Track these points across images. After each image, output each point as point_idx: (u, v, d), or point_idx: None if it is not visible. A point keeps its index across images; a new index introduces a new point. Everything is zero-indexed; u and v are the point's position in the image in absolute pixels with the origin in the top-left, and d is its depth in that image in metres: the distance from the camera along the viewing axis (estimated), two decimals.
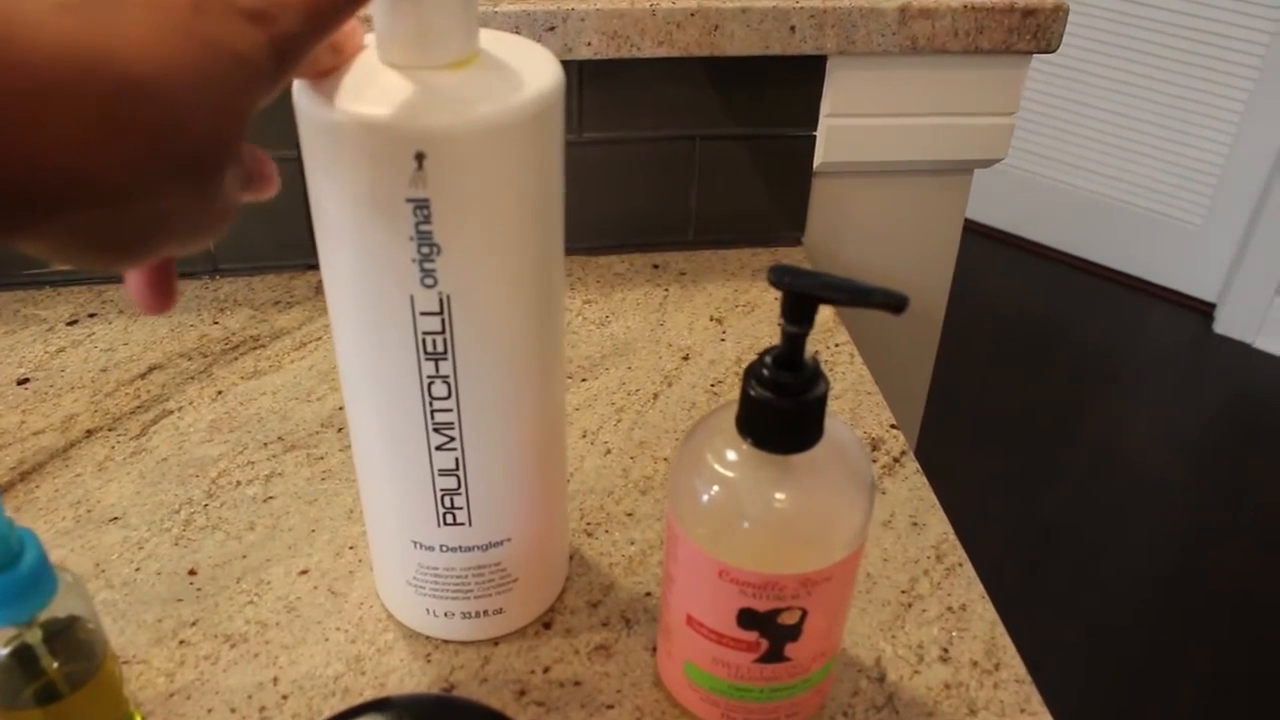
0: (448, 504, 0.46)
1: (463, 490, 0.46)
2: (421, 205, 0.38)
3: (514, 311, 0.43)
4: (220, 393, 0.69)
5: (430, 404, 0.43)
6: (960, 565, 0.57)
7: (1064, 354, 2.32)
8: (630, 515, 0.59)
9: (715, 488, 0.42)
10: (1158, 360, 2.31)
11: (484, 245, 0.40)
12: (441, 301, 0.41)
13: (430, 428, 0.44)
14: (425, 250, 0.39)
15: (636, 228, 0.81)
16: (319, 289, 0.78)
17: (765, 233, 0.82)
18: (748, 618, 0.43)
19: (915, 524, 0.59)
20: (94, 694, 0.46)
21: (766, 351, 0.41)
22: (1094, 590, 1.78)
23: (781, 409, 0.40)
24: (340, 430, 0.65)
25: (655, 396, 0.68)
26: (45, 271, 0.78)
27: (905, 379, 0.91)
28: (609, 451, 0.64)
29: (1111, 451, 2.06)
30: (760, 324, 0.74)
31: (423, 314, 0.41)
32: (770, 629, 0.43)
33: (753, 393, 0.40)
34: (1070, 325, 2.40)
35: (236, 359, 0.72)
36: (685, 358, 0.71)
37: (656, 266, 0.80)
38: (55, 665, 0.45)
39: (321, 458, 0.64)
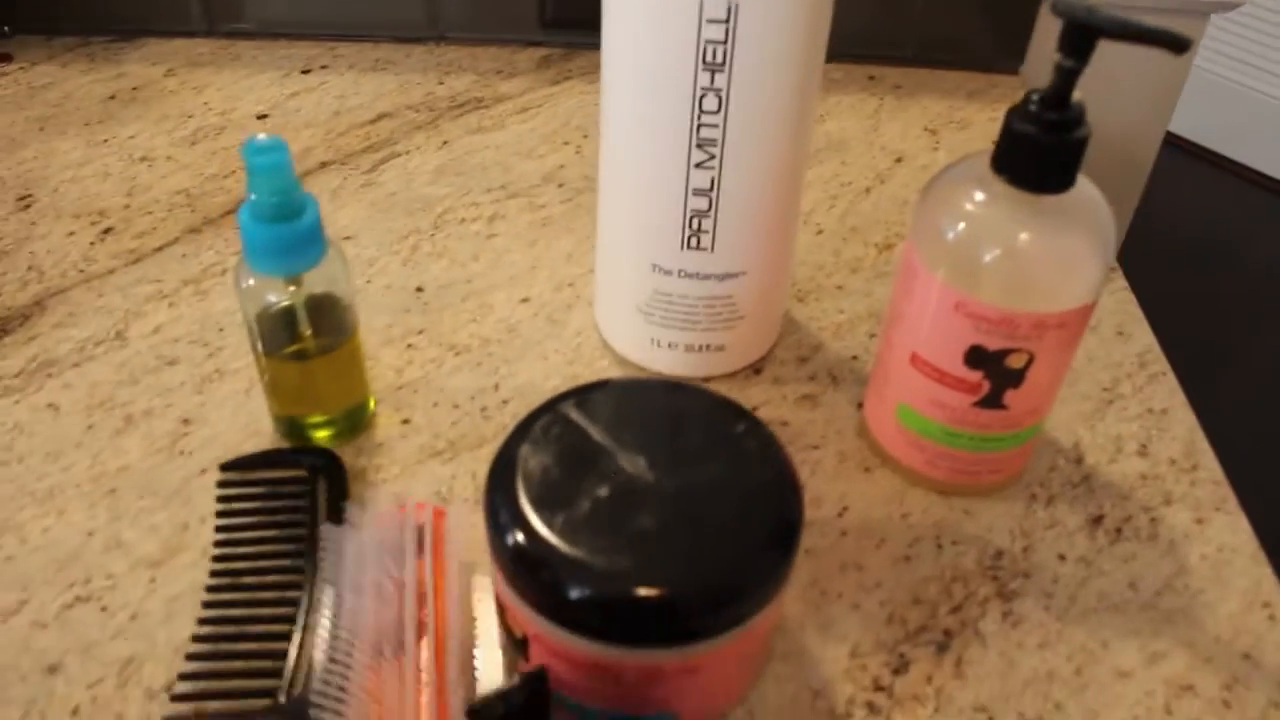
0: (694, 226, 0.48)
1: (711, 213, 0.48)
2: None
3: (794, 29, 0.44)
4: (446, 142, 0.72)
5: (699, 117, 0.45)
6: (1164, 374, 0.57)
7: (1244, 274, 2.23)
8: (840, 288, 0.61)
9: (962, 224, 0.43)
10: None
11: None
12: (730, 9, 0.42)
13: (694, 143, 0.46)
14: None
15: (855, 38, 0.81)
16: (540, 64, 0.80)
17: (983, 58, 0.82)
18: (976, 356, 0.44)
19: (1121, 333, 0.60)
20: (342, 361, 0.50)
21: (1033, 91, 0.41)
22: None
23: (1044, 144, 0.41)
24: (561, 186, 0.68)
25: (868, 190, 0.69)
26: (279, 24, 0.82)
27: None
28: (821, 232, 0.65)
29: None
30: (974, 140, 0.74)
31: (709, 21, 0.42)
32: (995, 370, 0.45)
33: (1016, 127, 0.41)
34: (1253, 244, 2.30)
35: (461, 116, 0.74)
36: (898, 160, 0.72)
37: (872, 78, 0.80)
38: (309, 333, 0.49)
39: (543, 206, 0.66)
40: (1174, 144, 2.51)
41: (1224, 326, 2.11)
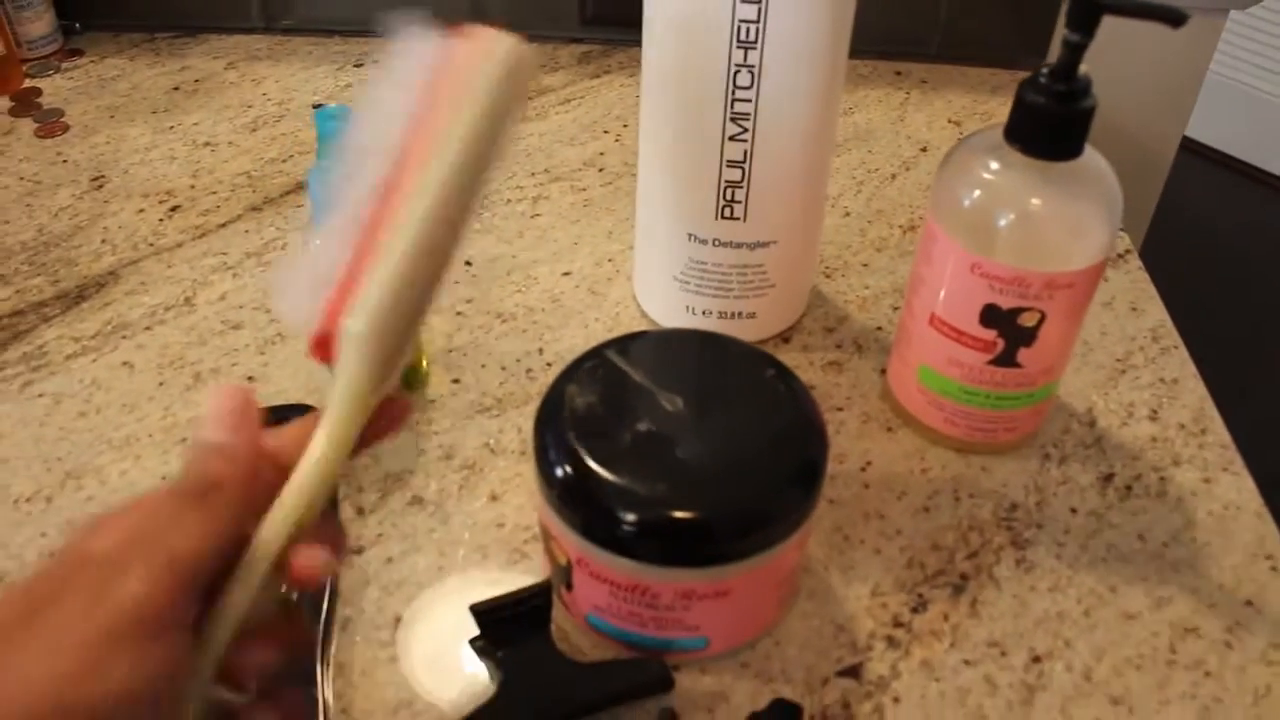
0: (728, 197, 0.52)
1: (744, 183, 0.51)
2: None
3: (822, 7, 0.47)
4: None
5: (732, 92, 0.48)
6: (1175, 348, 0.60)
7: (1259, 273, 2.23)
8: (866, 266, 0.64)
9: (978, 191, 0.47)
10: None
11: None
12: None
13: (728, 116, 0.49)
14: None
15: (883, 36, 0.84)
16: (581, 59, 0.84)
17: (1006, 54, 0.85)
18: (990, 315, 0.47)
19: (1134, 309, 0.63)
20: None
21: (1042, 65, 0.45)
22: None
23: (1053, 114, 0.44)
24: (601, 170, 0.71)
25: (893, 177, 0.72)
26: (330, 21, 0.86)
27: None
28: (848, 214, 0.68)
29: None
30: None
31: (743, 1, 0.46)
32: (1009, 328, 0.48)
33: (1027, 98, 0.45)
34: (1269, 244, 2.30)
35: None
36: (923, 149, 0.75)
37: (899, 73, 0.83)
38: None
39: (584, 189, 0.70)
40: (1188, 148, 2.50)
41: (1239, 323, 2.11)
